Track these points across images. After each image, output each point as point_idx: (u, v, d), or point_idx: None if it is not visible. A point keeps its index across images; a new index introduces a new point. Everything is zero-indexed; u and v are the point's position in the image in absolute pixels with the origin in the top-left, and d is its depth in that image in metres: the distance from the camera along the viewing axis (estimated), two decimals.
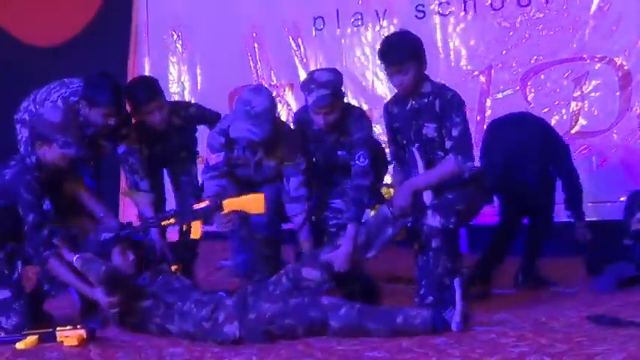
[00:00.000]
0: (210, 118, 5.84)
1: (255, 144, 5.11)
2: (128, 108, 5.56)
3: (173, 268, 5.08)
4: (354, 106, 5.62)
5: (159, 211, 5.51)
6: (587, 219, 6.12)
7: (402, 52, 4.75)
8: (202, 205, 4.89)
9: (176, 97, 8.59)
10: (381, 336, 4.27)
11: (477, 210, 4.94)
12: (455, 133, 4.68)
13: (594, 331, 4.12)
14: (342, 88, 5.13)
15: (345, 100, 5.32)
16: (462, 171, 4.68)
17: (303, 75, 8.24)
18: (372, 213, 5.01)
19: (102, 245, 4.86)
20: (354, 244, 4.78)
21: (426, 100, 4.81)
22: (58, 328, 4.41)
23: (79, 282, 4.72)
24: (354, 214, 4.87)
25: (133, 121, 5.61)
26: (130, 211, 7.66)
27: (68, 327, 4.40)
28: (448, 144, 4.70)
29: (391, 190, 4.99)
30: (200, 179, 5.53)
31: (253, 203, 4.85)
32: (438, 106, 4.77)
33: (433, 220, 4.64)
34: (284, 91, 8.43)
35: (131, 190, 5.62)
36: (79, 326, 4.42)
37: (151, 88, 5.57)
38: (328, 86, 4.97)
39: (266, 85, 8.13)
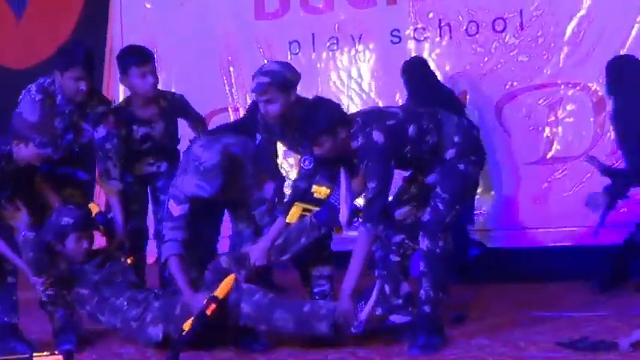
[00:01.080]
0: (193, 114, 6.00)
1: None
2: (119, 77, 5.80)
3: (129, 260, 5.34)
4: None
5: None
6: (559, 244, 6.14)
7: None
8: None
9: None
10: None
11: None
12: (368, 196, 4.59)
13: (572, 356, 4.14)
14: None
15: None
16: (376, 237, 4.62)
17: None
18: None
19: (60, 229, 5.07)
20: (273, 241, 4.92)
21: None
22: (34, 354, 4.37)
23: (17, 259, 4.95)
24: (281, 213, 4.97)
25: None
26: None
27: (45, 353, 4.36)
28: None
29: (322, 188, 4.89)
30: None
31: (225, 287, 4.70)
32: None
33: (422, 242, 4.63)
34: None
35: (101, 178, 5.66)
36: (56, 352, 4.39)
37: (145, 52, 5.78)
38: (269, 75, 5.13)
39: (241, 109, 8.17)
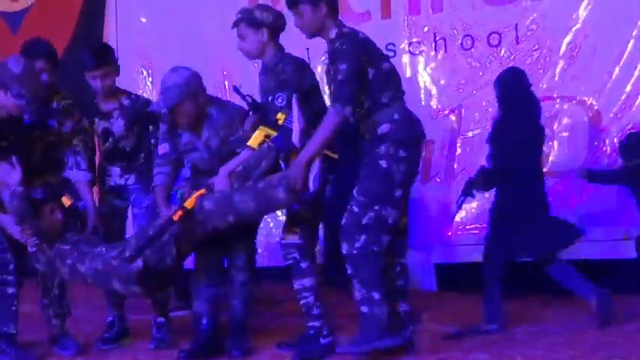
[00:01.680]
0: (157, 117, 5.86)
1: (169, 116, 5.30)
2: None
3: None
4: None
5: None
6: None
7: None
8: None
9: None
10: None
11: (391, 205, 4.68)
12: (338, 78, 4.64)
13: None
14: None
15: None
16: (343, 117, 4.60)
17: None
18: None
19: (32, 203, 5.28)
20: (236, 166, 4.98)
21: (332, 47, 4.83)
22: None
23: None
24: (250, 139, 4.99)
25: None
26: None
27: None
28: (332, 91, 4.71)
29: (280, 113, 4.93)
30: None
31: (193, 200, 4.94)
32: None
33: (341, 246, 4.66)
34: None
35: (70, 171, 5.71)
36: None
37: (100, 55, 5.82)
38: (241, 12, 5.36)
39: None
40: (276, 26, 5.29)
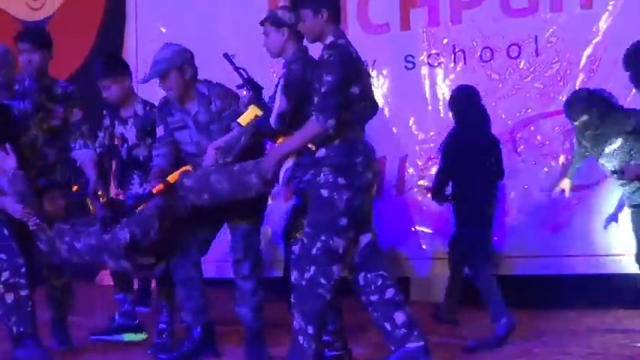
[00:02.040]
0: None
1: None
2: None
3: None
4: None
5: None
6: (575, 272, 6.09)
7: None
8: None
9: None
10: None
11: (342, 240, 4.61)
12: (322, 90, 4.53)
13: None
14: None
15: None
16: (320, 132, 4.50)
17: None
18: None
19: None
20: (224, 141, 5.07)
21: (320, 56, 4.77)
22: None
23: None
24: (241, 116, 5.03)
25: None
26: None
27: None
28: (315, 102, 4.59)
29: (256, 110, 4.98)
30: None
31: (176, 175, 5.11)
32: None
33: (292, 273, 4.65)
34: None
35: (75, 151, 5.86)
36: None
37: (106, 65, 6.01)
38: (269, 12, 5.53)
39: None
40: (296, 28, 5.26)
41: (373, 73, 7.96)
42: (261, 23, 5.44)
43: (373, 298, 4.66)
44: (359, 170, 4.55)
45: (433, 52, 7.83)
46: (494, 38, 7.60)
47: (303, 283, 4.53)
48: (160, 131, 5.55)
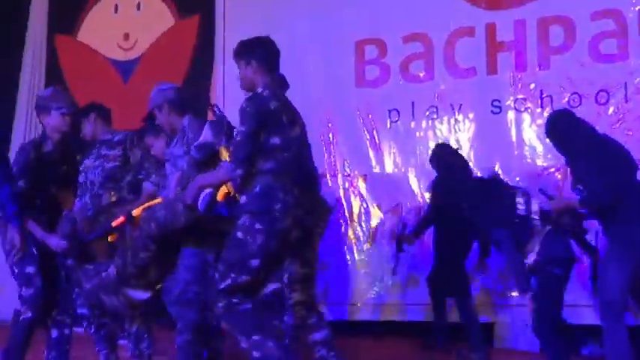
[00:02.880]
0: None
1: None
2: None
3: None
4: None
5: None
6: None
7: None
8: None
9: None
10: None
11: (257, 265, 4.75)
12: (236, 139, 4.73)
13: None
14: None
15: None
16: (232, 178, 4.67)
17: (376, 166, 8.28)
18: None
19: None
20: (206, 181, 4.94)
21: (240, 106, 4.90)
22: None
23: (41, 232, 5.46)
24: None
25: None
26: None
27: None
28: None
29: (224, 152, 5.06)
30: None
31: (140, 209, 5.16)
32: None
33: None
34: (357, 181, 8.42)
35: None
36: None
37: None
38: None
39: (339, 176, 8.16)
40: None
41: (459, 117, 7.96)
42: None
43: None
44: (276, 216, 4.66)
45: (520, 96, 7.79)
46: (583, 84, 7.53)
47: (222, 310, 4.72)
48: None
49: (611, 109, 7.41)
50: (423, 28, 8.21)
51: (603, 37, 7.53)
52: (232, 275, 4.64)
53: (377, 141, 8.26)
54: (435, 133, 8.12)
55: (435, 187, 7.21)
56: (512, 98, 7.84)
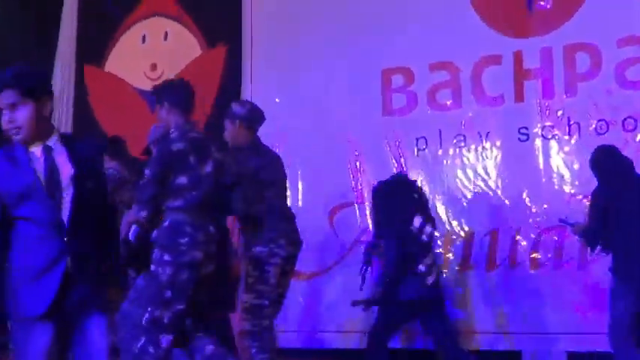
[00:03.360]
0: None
1: None
2: None
3: None
4: None
5: None
6: None
7: None
8: None
9: None
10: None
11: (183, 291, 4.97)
12: (141, 182, 4.99)
13: None
14: None
15: None
16: (137, 219, 4.90)
17: None
18: None
19: None
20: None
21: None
22: None
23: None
24: None
25: None
26: None
27: None
28: None
29: None
30: None
31: None
32: None
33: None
34: None
35: None
36: None
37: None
38: None
39: (367, 204, 8.16)
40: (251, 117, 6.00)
41: (486, 145, 7.96)
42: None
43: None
44: (182, 249, 4.92)
45: (547, 124, 7.79)
46: (610, 111, 7.53)
47: (136, 351, 4.86)
48: None
49: (638, 136, 7.41)
50: (449, 56, 8.24)
51: (629, 63, 7.54)
52: (149, 309, 4.86)
53: (404, 169, 8.27)
54: (462, 161, 8.13)
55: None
56: (539, 125, 7.84)
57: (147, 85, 10.29)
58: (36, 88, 3.99)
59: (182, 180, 4.98)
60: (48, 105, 4.04)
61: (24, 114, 3.95)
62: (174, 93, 5.32)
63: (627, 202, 6.23)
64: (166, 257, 4.87)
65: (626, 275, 6.11)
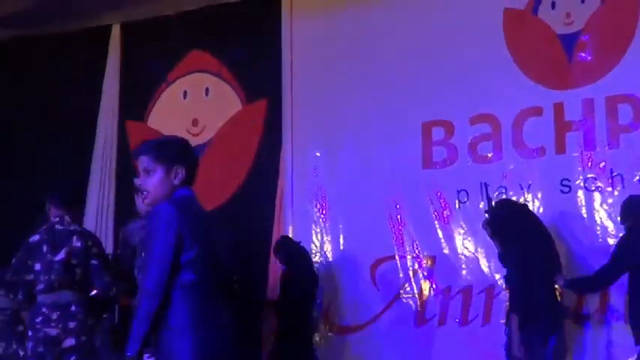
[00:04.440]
0: None
1: None
2: None
3: None
4: None
5: None
6: None
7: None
8: None
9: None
10: None
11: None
12: None
13: None
14: None
15: None
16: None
17: (446, 248, 8.22)
18: None
19: None
20: None
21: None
22: None
23: None
24: None
25: None
26: None
27: None
28: None
29: None
30: None
31: None
32: None
33: None
34: (426, 263, 8.37)
35: None
36: None
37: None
38: None
39: (409, 257, 8.13)
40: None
41: (528, 197, 7.91)
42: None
43: None
44: (37, 327, 6.00)
45: (590, 175, 7.74)
46: None
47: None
48: None
49: None
50: (490, 108, 8.24)
51: None
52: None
53: (446, 222, 8.23)
54: None
55: None
56: (581, 177, 7.78)
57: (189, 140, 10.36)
58: (166, 156, 4.33)
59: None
60: (179, 172, 4.36)
61: (153, 180, 4.33)
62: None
63: None
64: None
65: None
